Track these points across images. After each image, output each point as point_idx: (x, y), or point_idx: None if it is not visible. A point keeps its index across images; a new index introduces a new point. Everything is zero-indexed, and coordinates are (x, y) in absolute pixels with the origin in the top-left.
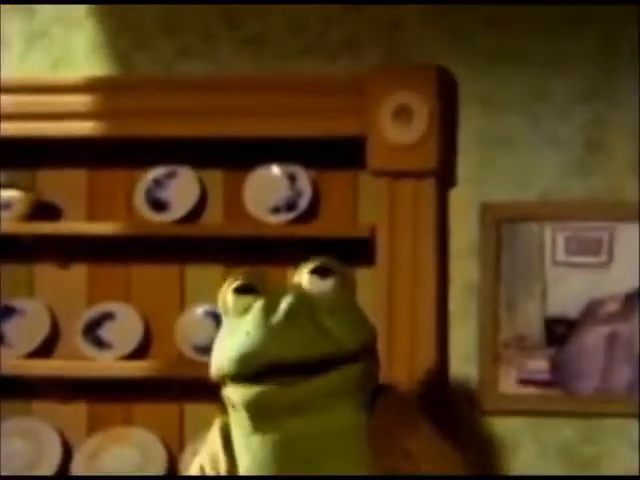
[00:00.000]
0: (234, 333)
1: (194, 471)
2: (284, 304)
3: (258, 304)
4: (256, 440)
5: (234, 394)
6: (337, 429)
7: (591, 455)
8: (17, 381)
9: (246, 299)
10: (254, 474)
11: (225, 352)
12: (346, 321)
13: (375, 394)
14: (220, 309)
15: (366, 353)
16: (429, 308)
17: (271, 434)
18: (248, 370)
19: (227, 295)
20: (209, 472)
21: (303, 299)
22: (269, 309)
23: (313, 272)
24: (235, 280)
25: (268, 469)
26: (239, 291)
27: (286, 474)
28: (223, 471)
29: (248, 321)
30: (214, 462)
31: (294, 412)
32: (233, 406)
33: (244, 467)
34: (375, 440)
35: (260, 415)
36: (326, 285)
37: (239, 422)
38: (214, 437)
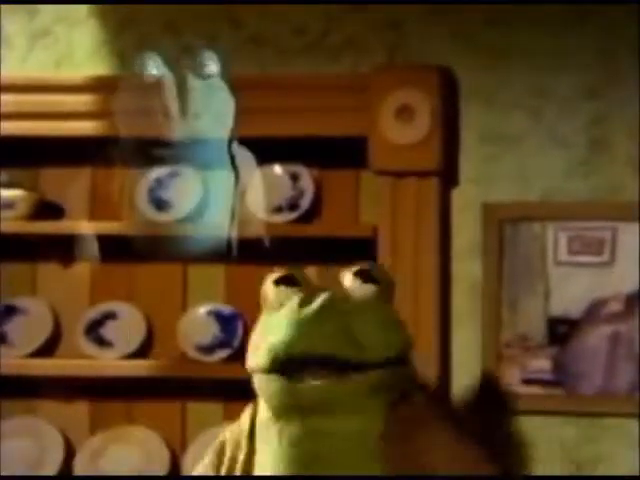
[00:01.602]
0: (268, 325)
1: (215, 445)
2: (318, 300)
3: (294, 297)
4: (274, 432)
5: (260, 384)
6: (351, 433)
7: (591, 455)
8: (19, 380)
9: (285, 293)
10: (268, 465)
11: (257, 343)
12: (377, 330)
13: (401, 400)
14: (261, 302)
15: (393, 364)
16: (431, 308)
17: (288, 428)
18: (274, 361)
19: (268, 288)
20: (227, 453)
21: (338, 299)
22: (303, 303)
23: (357, 274)
24: (277, 274)
25: (281, 462)
26: (279, 284)
27: (295, 471)
28: (242, 456)
29: (282, 314)
30: (236, 444)
31: (312, 410)
32: (260, 396)
33: (261, 457)
34: (391, 449)
35: (280, 408)
36: (367, 290)
37: (263, 412)
38: (243, 420)
